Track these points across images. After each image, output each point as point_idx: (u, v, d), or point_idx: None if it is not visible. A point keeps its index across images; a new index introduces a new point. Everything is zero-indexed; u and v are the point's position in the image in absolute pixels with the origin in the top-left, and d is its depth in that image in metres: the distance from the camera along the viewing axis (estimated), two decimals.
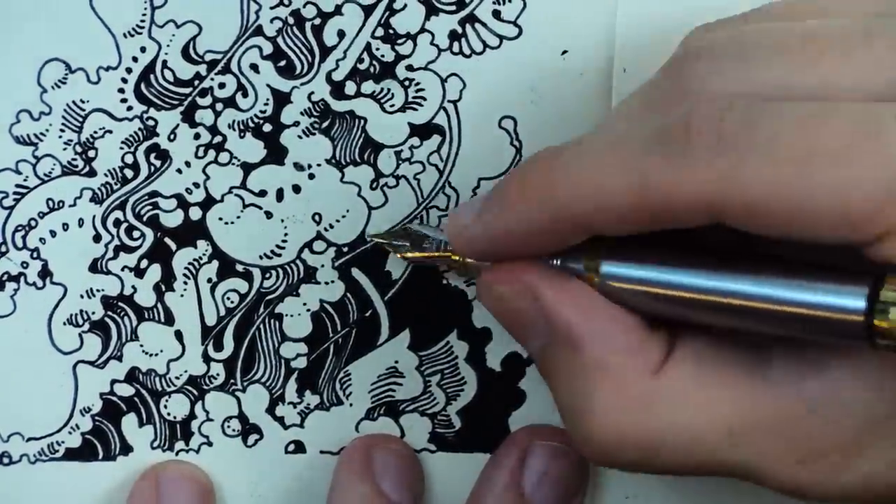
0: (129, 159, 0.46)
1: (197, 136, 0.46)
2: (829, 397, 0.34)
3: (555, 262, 0.38)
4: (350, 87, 0.45)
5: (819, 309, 0.33)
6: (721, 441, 0.35)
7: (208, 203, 0.46)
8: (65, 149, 0.46)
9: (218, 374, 0.47)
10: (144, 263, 0.46)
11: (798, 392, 0.35)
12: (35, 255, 0.46)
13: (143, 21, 0.45)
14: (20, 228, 0.46)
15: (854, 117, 0.32)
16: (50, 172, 0.46)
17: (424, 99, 0.45)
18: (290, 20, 0.45)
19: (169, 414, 0.47)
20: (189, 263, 0.46)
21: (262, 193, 0.46)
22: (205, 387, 0.47)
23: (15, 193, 0.46)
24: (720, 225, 0.33)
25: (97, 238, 0.46)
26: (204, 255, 0.46)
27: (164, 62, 0.45)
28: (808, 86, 0.34)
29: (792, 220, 0.32)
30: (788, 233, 0.32)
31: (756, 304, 0.34)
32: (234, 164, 0.46)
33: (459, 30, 0.45)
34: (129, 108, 0.45)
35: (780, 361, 0.35)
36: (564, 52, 0.45)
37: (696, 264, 0.36)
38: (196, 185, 0.46)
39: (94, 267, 0.46)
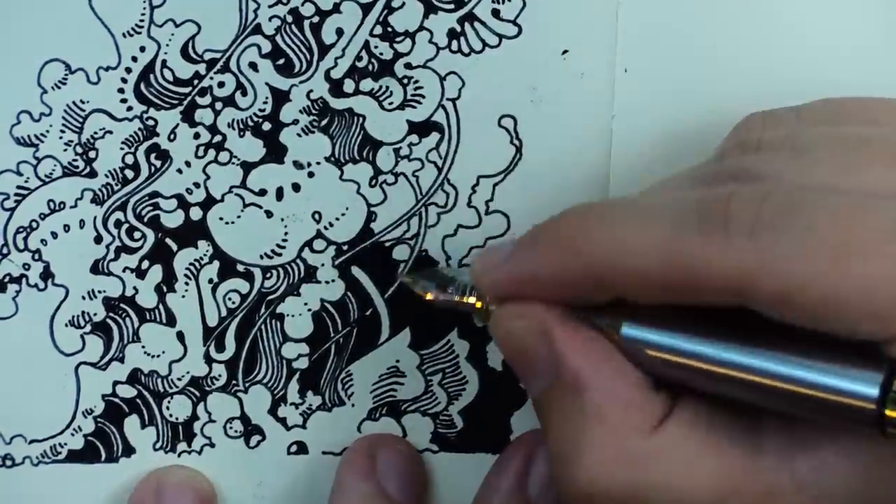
0: (129, 160, 0.46)
1: (197, 136, 0.46)
2: (817, 477, 0.34)
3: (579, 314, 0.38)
4: (349, 85, 0.45)
5: (831, 392, 0.33)
6: None
7: (209, 203, 0.46)
8: (65, 150, 0.46)
9: (220, 375, 0.47)
10: (145, 264, 0.46)
11: (789, 468, 0.34)
12: (36, 256, 0.46)
13: (142, 20, 0.45)
14: (21, 230, 0.46)
15: (891, 214, 0.32)
16: (51, 174, 0.46)
17: (423, 97, 0.45)
18: (289, 18, 0.45)
19: (171, 415, 0.47)
20: (190, 264, 0.46)
21: (262, 192, 0.46)
22: (207, 388, 0.47)
23: (16, 195, 0.46)
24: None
25: (98, 239, 0.46)
26: (205, 255, 0.46)
27: (164, 62, 0.45)
28: (853, 187, 0.34)
29: (819, 313, 0.32)
30: (814, 325, 0.32)
31: (769, 381, 0.34)
32: (233, 163, 0.46)
33: (458, 28, 0.45)
34: (129, 109, 0.46)
35: (773, 434, 0.35)
36: (565, 51, 0.45)
37: (714, 335, 0.35)
38: (196, 184, 0.46)
39: (96, 268, 0.46)
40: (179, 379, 0.47)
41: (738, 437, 0.35)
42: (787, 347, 0.34)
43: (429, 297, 0.44)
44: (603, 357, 0.37)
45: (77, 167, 0.46)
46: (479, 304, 0.42)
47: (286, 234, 0.46)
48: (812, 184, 0.34)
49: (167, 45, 0.45)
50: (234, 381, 0.47)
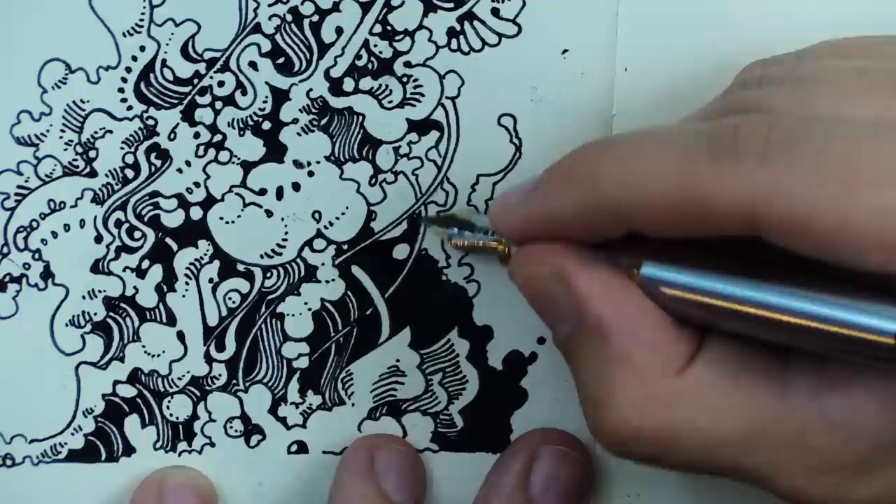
0: (129, 159, 0.46)
1: (197, 135, 0.46)
2: (847, 416, 0.34)
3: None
4: (348, 84, 0.45)
5: (850, 328, 0.33)
6: (736, 446, 0.35)
7: (209, 202, 0.46)
8: (66, 149, 0.46)
9: (220, 375, 0.47)
10: (146, 264, 0.46)
11: (818, 407, 0.34)
12: (37, 256, 0.46)
13: (142, 20, 0.45)
14: (22, 230, 0.46)
15: None
16: (51, 173, 0.46)
17: (423, 95, 0.45)
18: (289, 17, 0.45)
19: (171, 415, 0.47)
20: (190, 263, 0.46)
21: (263, 192, 0.46)
22: (207, 387, 0.47)
23: (16, 195, 0.46)
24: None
25: (98, 239, 0.46)
26: (205, 254, 0.46)
27: (164, 61, 0.45)
28: (860, 116, 0.34)
29: (828, 241, 0.32)
30: (823, 254, 0.32)
31: (788, 318, 0.34)
32: (234, 162, 0.46)
33: (458, 27, 0.45)
34: (129, 108, 0.46)
35: (802, 373, 0.35)
36: (565, 50, 0.45)
37: (734, 273, 0.35)
38: (196, 184, 0.46)
39: (96, 268, 0.46)
40: (180, 378, 0.47)
41: (767, 375, 0.35)
42: (806, 284, 0.34)
43: (452, 242, 0.44)
44: (625, 299, 0.37)
45: (77, 167, 0.46)
46: (500, 248, 0.42)
47: (286, 233, 0.46)
48: (815, 114, 0.34)
49: (167, 44, 0.45)
50: (234, 381, 0.47)
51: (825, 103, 0.35)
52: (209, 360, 0.47)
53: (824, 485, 0.35)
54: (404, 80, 0.45)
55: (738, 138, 0.33)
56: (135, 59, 0.45)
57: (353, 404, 0.47)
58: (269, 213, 0.46)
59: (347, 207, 0.46)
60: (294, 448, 0.47)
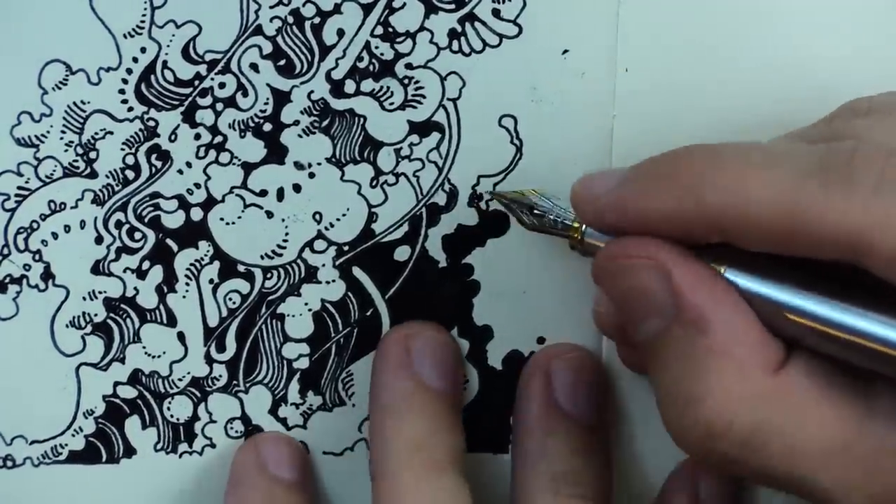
0: (130, 160, 0.46)
1: (197, 137, 0.46)
2: None
3: None
4: (349, 86, 0.45)
5: None
6: (815, 459, 0.35)
7: (209, 203, 0.46)
8: (66, 150, 0.46)
9: (220, 376, 0.47)
10: (146, 265, 0.46)
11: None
12: (37, 257, 0.46)
13: (142, 21, 0.45)
14: (22, 231, 0.46)
15: None
16: (51, 174, 0.46)
17: (424, 97, 0.45)
18: (290, 19, 0.45)
19: (172, 416, 0.47)
20: (191, 264, 0.46)
21: (263, 193, 0.46)
22: (207, 388, 0.47)
23: (16, 196, 0.46)
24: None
25: (99, 240, 0.46)
26: (205, 255, 0.46)
27: (165, 62, 0.45)
28: None
29: None
30: None
31: (877, 346, 0.34)
32: (234, 163, 0.46)
33: (459, 28, 0.45)
34: (130, 109, 0.45)
35: (884, 397, 0.35)
36: (565, 51, 0.45)
37: (820, 292, 0.35)
38: (197, 185, 0.46)
39: (96, 269, 0.46)
40: (180, 379, 0.47)
41: (852, 392, 0.35)
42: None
43: (524, 224, 0.43)
44: (723, 295, 0.36)
45: (78, 168, 0.46)
46: (575, 234, 0.41)
47: (287, 234, 0.46)
48: None
49: (168, 45, 0.45)
50: (234, 382, 0.47)
51: None
52: (210, 360, 0.47)
53: None
54: (405, 81, 0.45)
55: (852, 166, 0.33)
56: (136, 60, 0.45)
57: (353, 405, 0.47)
58: (269, 215, 0.46)
59: (348, 209, 0.46)
60: None
